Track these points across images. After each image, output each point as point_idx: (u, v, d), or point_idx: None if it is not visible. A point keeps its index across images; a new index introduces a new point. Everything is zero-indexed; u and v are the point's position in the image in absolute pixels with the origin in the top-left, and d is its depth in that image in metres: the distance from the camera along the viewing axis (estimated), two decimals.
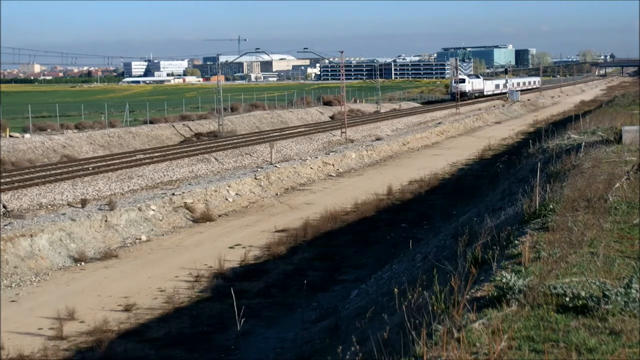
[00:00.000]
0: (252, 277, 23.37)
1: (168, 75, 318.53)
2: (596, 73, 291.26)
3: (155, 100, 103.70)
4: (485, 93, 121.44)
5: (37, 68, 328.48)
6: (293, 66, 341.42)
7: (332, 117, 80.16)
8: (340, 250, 26.59)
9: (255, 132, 63.75)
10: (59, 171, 39.10)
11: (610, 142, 27.51)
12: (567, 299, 8.65)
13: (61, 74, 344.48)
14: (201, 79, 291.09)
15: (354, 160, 49.76)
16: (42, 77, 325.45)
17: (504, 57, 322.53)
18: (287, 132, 62.41)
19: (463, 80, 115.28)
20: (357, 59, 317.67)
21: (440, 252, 18.94)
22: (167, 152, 48.03)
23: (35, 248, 25.29)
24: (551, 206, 14.75)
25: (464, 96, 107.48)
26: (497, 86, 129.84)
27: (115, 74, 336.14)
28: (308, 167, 44.67)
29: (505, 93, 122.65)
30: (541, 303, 8.68)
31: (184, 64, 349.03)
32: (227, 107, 71.97)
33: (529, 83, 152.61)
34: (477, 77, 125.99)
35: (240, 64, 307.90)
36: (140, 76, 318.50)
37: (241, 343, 17.71)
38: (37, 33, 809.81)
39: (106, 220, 28.85)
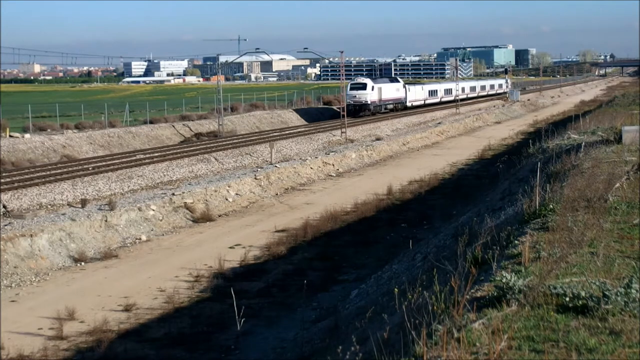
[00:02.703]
0: (252, 277, 23.37)
1: (168, 75, 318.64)
2: (596, 73, 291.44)
3: (155, 100, 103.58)
4: (408, 103, 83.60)
5: (37, 68, 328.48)
6: (293, 66, 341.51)
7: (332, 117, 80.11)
8: (340, 250, 26.59)
9: (255, 132, 63.73)
10: (59, 171, 39.08)
11: (610, 142, 27.53)
12: (567, 299, 8.66)
13: (61, 74, 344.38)
14: (201, 79, 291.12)
15: (354, 160, 49.76)
16: (42, 77, 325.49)
17: (504, 57, 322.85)
18: (287, 132, 62.39)
19: (364, 86, 75.05)
20: (357, 59, 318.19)
21: (440, 252, 18.94)
22: (167, 152, 48.01)
23: (35, 248, 25.29)
24: (551, 206, 14.76)
25: (364, 110, 73.76)
26: (433, 93, 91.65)
27: (115, 74, 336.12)
28: (308, 167, 44.67)
29: (450, 101, 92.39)
30: (541, 303, 8.69)
31: (184, 64, 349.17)
32: (227, 107, 71.94)
33: (491, 87, 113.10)
34: (396, 81, 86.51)
35: (240, 64, 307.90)
36: (140, 76, 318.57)
37: (241, 343, 17.72)
38: (37, 33, 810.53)
39: (106, 220, 28.85)
